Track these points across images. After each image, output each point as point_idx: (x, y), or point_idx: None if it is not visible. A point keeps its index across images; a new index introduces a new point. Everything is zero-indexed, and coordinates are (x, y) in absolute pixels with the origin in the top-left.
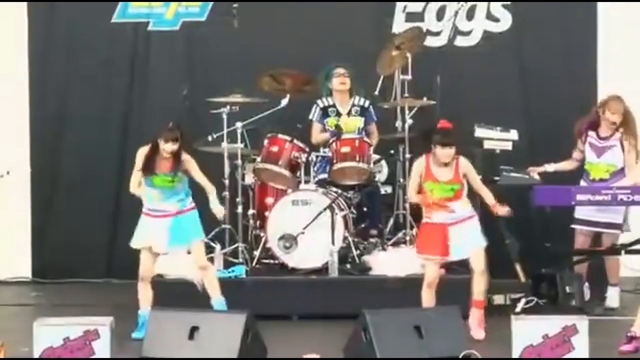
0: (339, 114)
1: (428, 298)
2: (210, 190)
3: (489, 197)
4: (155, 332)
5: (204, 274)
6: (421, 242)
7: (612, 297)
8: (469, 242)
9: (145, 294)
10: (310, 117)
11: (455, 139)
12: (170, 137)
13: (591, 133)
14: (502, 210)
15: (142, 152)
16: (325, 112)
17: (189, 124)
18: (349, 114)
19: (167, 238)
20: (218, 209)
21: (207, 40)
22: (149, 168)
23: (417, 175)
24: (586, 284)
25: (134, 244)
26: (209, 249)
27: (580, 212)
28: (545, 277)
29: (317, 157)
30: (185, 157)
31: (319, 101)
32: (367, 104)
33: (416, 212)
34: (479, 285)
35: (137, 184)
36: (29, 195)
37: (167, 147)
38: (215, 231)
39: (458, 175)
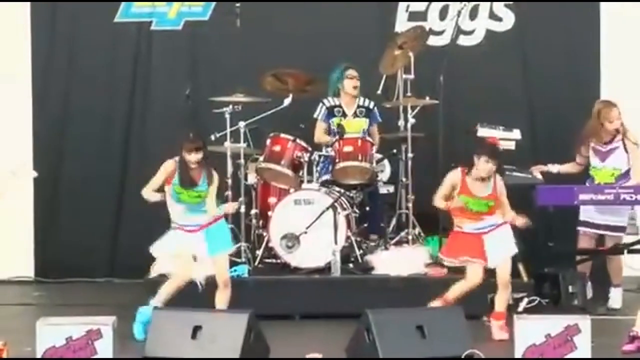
0: (344, 115)
1: (462, 293)
2: (210, 211)
3: (509, 215)
4: (157, 331)
5: (223, 290)
6: (454, 247)
7: (615, 298)
8: (501, 250)
9: (173, 292)
10: (315, 115)
11: (500, 159)
12: (192, 147)
13: (593, 139)
14: (521, 220)
15: (167, 167)
16: (331, 112)
17: (191, 123)
18: (354, 114)
19: (205, 249)
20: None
21: (209, 39)
22: (187, 180)
23: (450, 186)
24: (589, 283)
25: (168, 252)
26: None
27: (584, 215)
28: (548, 276)
29: (319, 156)
30: (215, 175)
31: (325, 100)
32: (372, 105)
33: (418, 212)
34: (501, 297)
35: (153, 189)
36: (32, 195)
37: (192, 158)
38: None
39: (495, 192)
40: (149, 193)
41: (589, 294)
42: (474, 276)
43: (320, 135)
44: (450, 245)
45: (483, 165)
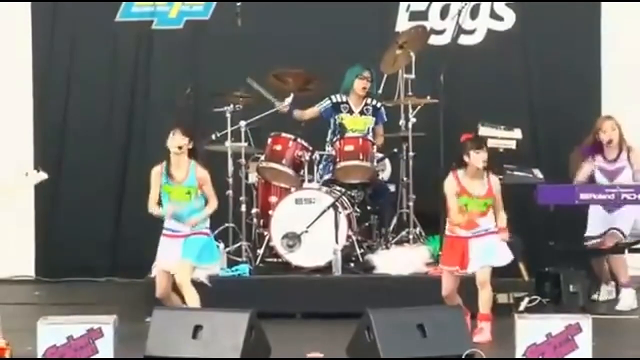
0: (351, 111)
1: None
2: (211, 205)
3: (501, 219)
4: (158, 331)
5: (185, 291)
6: (444, 254)
7: (626, 299)
8: (485, 256)
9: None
10: (317, 105)
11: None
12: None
13: (598, 157)
14: (504, 236)
15: (155, 172)
16: (337, 108)
17: (192, 122)
18: (361, 112)
19: (180, 253)
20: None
21: (210, 39)
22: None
23: (453, 195)
24: (612, 283)
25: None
26: None
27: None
28: (549, 275)
29: (321, 156)
30: (201, 170)
31: (332, 96)
32: (379, 104)
33: (420, 211)
34: (481, 298)
35: (155, 202)
36: (33, 194)
37: (173, 142)
38: (218, 230)
39: (491, 190)
40: (154, 207)
41: (612, 293)
42: (444, 285)
43: (306, 111)
44: (443, 252)
45: (475, 157)
